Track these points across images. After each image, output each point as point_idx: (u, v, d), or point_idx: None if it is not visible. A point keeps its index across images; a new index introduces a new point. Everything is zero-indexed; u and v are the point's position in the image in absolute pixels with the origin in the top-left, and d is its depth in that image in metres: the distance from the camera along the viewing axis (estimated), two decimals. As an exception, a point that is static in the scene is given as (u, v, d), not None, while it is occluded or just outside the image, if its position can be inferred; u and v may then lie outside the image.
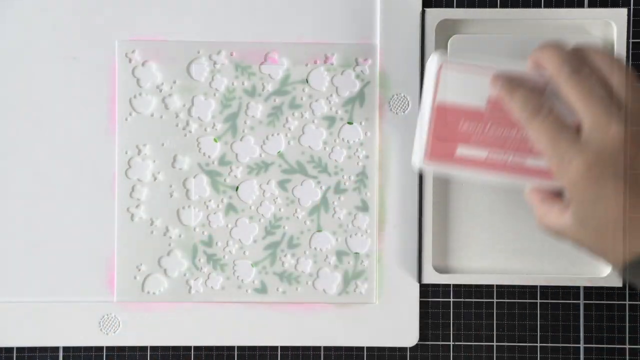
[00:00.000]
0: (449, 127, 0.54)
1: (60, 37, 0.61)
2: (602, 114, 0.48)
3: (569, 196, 0.49)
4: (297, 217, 0.61)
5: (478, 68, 0.53)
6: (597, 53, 0.51)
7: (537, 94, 0.51)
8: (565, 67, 0.50)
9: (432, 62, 0.54)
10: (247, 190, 0.61)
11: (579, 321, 0.62)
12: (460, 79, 0.54)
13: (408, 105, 0.61)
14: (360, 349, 0.62)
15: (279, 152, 0.61)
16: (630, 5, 0.61)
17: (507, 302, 0.62)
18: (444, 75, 0.53)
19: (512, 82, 0.52)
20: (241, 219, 0.61)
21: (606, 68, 0.50)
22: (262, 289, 0.61)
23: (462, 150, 0.54)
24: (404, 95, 0.61)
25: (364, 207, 0.61)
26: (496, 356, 0.62)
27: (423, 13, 0.60)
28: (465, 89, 0.54)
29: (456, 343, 0.62)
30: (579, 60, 0.50)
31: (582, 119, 0.49)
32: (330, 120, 0.61)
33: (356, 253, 0.61)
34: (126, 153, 0.61)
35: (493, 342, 0.62)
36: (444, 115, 0.54)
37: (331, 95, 0.61)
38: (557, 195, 0.52)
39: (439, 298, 0.62)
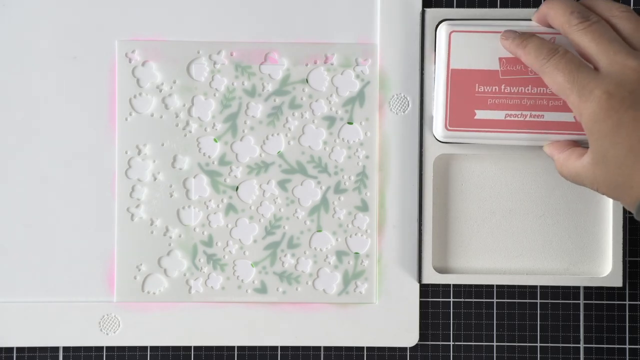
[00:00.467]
0: (465, 92, 0.56)
1: (60, 37, 0.61)
2: (618, 52, 0.50)
3: (588, 130, 0.50)
4: (297, 217, 0.61)
5: (486, 31, 0.56)
6: (602, 1, 0.53)
7: (548, 42, 0.53)
8: (574, 16, 0.52)
9: (441, 31, 0.57)
10: (247, 190, 0.61)
11: (579, 321, 0.62)
12: (471, 44, 0.56)
13: (408, 105, 0.61)
14: (360, 349, 0.62)
15: (279, 152, 0.61)
16: (630, 6, 0.61)
17: (507, 302, 0.62)
18: (454, 43, 0.56)
19: (523, 34, 0.54)
20: (241, 219, 0.61)
21: (614, 15, 0.52)
22: (262, 289, 0.61)
23: (481, 114, 0.56)
24: (404, 95, 0.61)
25: (364, 207, 0.61)
26: (496, 356, 0.62)
27: (423, 13, 0.60)
28: (477, 53, 0.57)
29: (456, 343, 0.62)
30: (585, 9, 0.52)
31: (598, 60, 0.51)
32: (330, 120, 0.61)
33: (356, 253, 0.61)
34: (126, 153, 0.61)
35: (493, 342, 0.62)
36: (459, 82, 0.56)
37: (331, 95, 0.61)
38: (576, 144, 0.55)
39: (439, 298, 0.62)
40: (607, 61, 0.50)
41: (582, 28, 0.51)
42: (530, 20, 0.56)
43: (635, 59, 0.49)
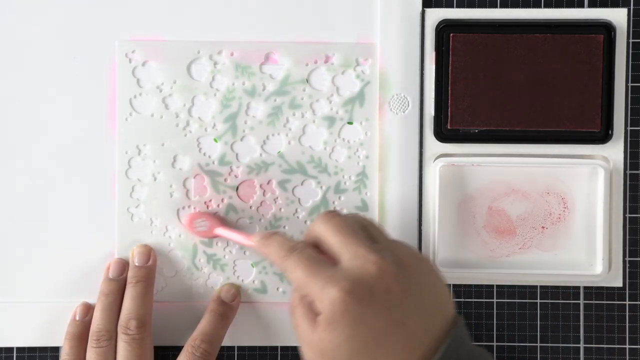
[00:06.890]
0: None
1: (60, 37, 0.61)
2: (360, 247, 0.49)
3: (327, 322, 0.48)
4: (297, 217, 0.61)
5: None
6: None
7: (290, 240, 0.52)
8: (321, 219, 0.51)
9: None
10: (248, 190, 0.61)
11: (579, 321, 0.62)
12: None
13: (408, 105, 0.61)
14: (361, 349, 0.62)
15: (279, 152, 0.61)
16: (630, 5, 0.61)
17: (507, 302, 0.62)
18: None
19: (267, 233, 0.54)
20: (241, 219, 0.61)
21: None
22: (262, 289, 0.61)
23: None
24: (404, 95, 0.61)
25: (364, 207, 0.61)
26: (496, 356, 0.62)
27: (423, 13, 0.60)
28: None
29: (456, 343, 0.62)
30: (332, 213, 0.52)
31: (341, 254, 0.49)
32: (331, 120, 0.61)
33: (356, 253, 0.61)
34: (126, 153, 0.61)
35: (493, 342, 0.62)
36: None
37: (331, 95, 0.61)
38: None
39: (439, 298, 0.61)
40: (348, 254, 0.49)
41: (328, 225, 0.51)
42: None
43: (375, 253, 0.48)
